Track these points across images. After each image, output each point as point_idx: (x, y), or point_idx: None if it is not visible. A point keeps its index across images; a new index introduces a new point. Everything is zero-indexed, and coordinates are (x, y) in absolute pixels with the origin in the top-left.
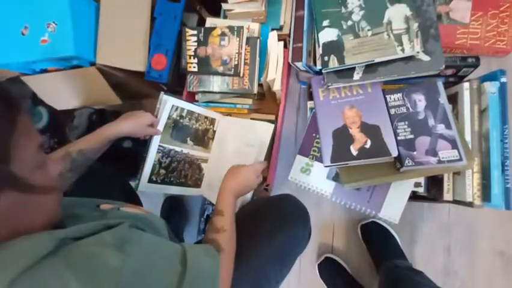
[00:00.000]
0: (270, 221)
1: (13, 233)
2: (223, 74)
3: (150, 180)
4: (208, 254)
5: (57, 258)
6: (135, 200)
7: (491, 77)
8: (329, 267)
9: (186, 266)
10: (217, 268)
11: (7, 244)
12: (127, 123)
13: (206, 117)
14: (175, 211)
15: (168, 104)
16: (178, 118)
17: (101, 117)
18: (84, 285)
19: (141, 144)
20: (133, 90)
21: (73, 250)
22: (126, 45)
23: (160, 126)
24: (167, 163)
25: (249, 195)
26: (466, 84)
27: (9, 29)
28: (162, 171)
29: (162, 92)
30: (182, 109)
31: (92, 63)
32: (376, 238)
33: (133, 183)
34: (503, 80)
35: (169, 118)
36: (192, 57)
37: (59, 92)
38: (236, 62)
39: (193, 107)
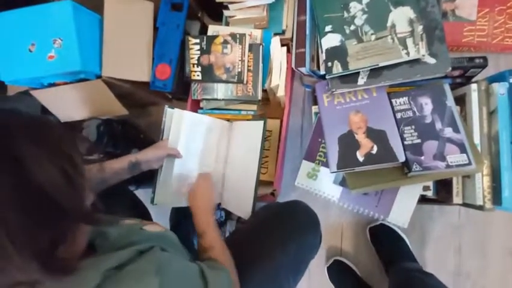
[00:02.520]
0: (283, 229)
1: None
2: (226, 82)
3: (173, 197)
4: (217, 267)
5: None
6: (142, 210)
7: (500, 77)
8: (338, 270)
9: (207, 280)
10: (229, 276)
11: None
12: (148, 151)
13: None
14: (183, 217)
15: (184, 120)
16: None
17: (108, 127)
18: None
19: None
20: (139, 100)
21: (119, 281)
22: (130, 57)
23: (181, 147)
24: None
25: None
26: (474, 86)
27: (17, 47)
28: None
29: (167, 106)
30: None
31: (98, 76)
32: (385, 240)
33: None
34: None
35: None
36: (195, 66)
37: (67, 105)
38: (239, 69)
39: (204, 118)
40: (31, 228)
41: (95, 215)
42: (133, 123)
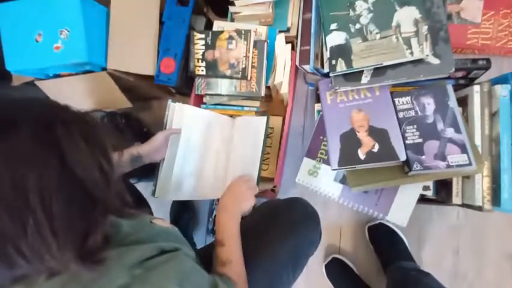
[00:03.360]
0: (283, 224)
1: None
2: (230, 77)
3: (175, 189)
4: (230, 283)
5: None
6: (143, 203)
7: (502, 79)
8: (336, 268)
9: None
10: None
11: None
12: (148, 143)
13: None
14: (183, 211)
15: (186, 114)
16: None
17: (112, 120)
18: None
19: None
20: (143, 93)
21: (144, 283)
22: (136, 50)
23: (182, 140)
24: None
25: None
26: (477, 87)
27: (24, 37)
28: (183, 178)
29: (170, 100)
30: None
31: (103, 68)
32: (384, 240)
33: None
34: None
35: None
36: (200, 61)
37: (72, 96)
38: (243, 66)
39: (206, 113)
40: (70, 220)
41: (125, 209)
42: (136, 116)
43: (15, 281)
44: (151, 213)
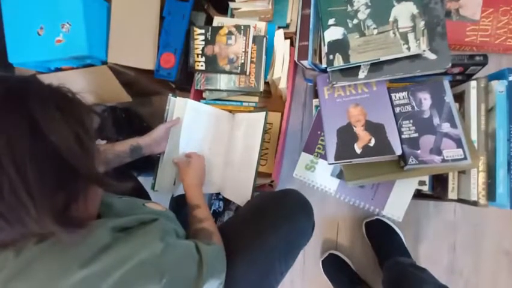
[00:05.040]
0: (275, 214)
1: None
2: (230, 73)
3: (174, 183)
4: (210, 243)
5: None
6: (144, 196)
7: (499, 75)
8: (333, 264)
9: (201, 254)
10: (222, 251)
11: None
12: (149, 135)
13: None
14: (182, 206)
15: (188, 107)
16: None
17: (112, 113)
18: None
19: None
20: (143, 88)
21: (127, 241)
22: (136, 45)
23: (183, 134)
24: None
25: (249, 194)
26: (473, 83)
27: (26, 30)
28: None
29: (170, 94)
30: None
31: (104, 62)
32: (380, 235)
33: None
34: (511, 78)
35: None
36: (199, 56)
37: (73, 90)
38: (243, 61)
39: (206, 107)
40: (47, 185)
41: (106, 179)
42: (136, 111)
43: (5, 246)
44: None
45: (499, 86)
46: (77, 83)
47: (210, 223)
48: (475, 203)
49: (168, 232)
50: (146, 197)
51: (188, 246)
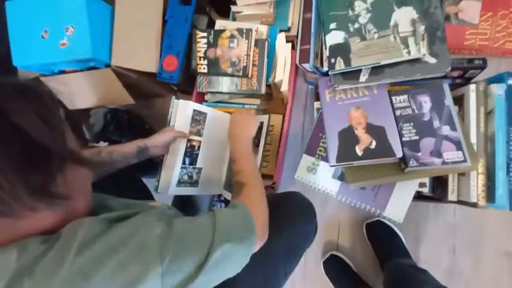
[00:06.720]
0: (278, 216)
1: (66, 218)
2: (232, 75)
3: (178, 185)
4: (233, 205)
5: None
6: (149, 197)
7: (498, 79)
8: (334, 265)
9: (215, 218)
10: (245, 210)
11: (64, 229)
12: (156, 136)
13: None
14: (184, 207)
15: (189, 109)
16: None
17: (115, 116)
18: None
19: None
20: (146, 90)
21: (122, 226)
22: (139, 48)
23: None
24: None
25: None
26: (473, 86)
27: (31, 33)
28: (189, 176)
29: (173, 97)
30: (200, 112)
31: (107, 65)
32: (381, 237)
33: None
34: (510, 82)
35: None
36: (201, 59)
37: (76, 92)
38: (245, 64)
39: (208, 110)
40: (16, 163)
41: (80, 154)
42: (138, 113)
43: None
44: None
45: (498, 89)
46: (80, 85)
47: (245, 174)
48: (474, 205)
49: (168, 215)
50: (150, 197)
51: (196, 218)
